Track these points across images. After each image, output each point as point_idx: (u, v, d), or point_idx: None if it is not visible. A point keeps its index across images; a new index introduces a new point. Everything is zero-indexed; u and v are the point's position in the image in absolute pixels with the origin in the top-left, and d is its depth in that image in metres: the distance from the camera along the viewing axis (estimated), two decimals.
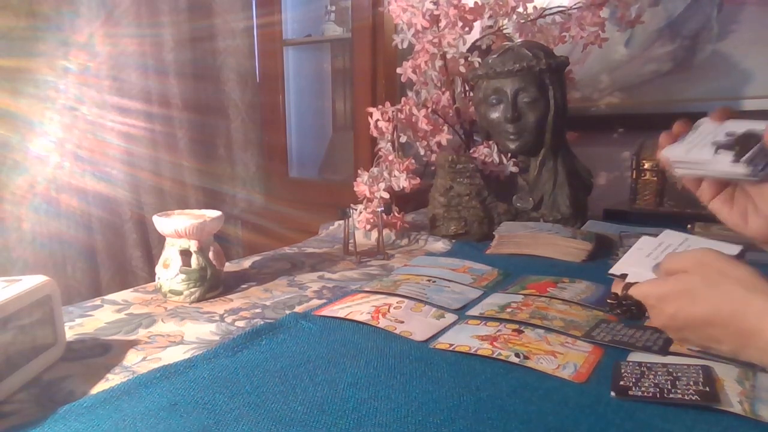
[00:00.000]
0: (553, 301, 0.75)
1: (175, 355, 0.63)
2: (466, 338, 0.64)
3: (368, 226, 1.15)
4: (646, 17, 1.34)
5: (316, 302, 0.80)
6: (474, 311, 0.73)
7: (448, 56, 1.22)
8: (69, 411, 0.50)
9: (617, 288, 0.59)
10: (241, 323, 0.73)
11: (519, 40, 1.21)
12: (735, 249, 0.56)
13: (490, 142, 1.18)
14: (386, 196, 1.15)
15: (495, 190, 1.16)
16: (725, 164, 0.55)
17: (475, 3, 1.19)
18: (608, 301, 0.60)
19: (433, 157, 1.24)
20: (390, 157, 1.17)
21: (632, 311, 0.58)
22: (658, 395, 0.50)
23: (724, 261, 0.51)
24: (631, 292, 0.56)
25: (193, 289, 0.81)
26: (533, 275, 0.87)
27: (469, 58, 1.21)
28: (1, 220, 1.45)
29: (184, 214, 0.86)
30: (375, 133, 1.20)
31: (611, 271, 0.62)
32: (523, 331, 0.65)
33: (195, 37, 1.79)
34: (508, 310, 0.72)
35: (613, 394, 0.51)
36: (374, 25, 1.60)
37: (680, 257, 0.54)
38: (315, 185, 1.92)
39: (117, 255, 1.66)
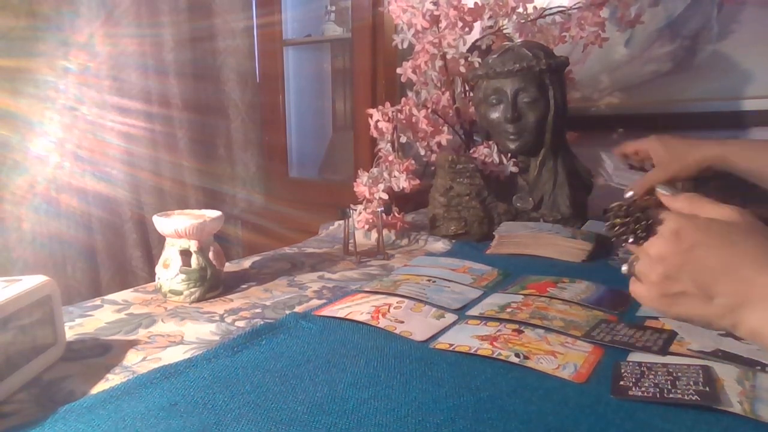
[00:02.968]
0: (553, 301, 0.75)
1: (175, 355, 0.63)
2: (466, 338, 0.64)
3: (368, 227, 1.15)
4: (646, 17, 1.34)
5: (316, 302, 0.80)
6: (474, 311, 0.73)
7: (448, 56, 1.22)
8: (69, 411, 0.50)
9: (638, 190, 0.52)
10: (241, 323, 0.73)
11: (519, 40, 1.21)
12: None
13: (490, 142, 1.18)
14: (386, 196, 1.15)
15: (495, 190, 1.16)
16: None
17: (475, 3, 1.19)
18: (612, 206, 0.52)
19: (433, 158, 1.24)
20: (390, 158, 1.17)
21: (639, 223, 0.49)
22: (658, 395, 0.50)
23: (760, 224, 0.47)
24: (667, 201, 0.50)
25: (193, 289, 0.81)
26: (533, 275, 0.87)
27: (469, 58, 1.21)
28: (1, 220, 1.45)
29: (184, 214, 0.86)
30: (375, 134, 1.20)
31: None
32: (523, 331, 0.65)
33: (195, 37, 1.79)
34: (508, 310, 0.72)
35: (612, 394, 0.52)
36: (374, 25, 1.60)
37: (720, 205, 0.49)
38: (315, 185, 1.92)
39: (117, 255, 1.66)
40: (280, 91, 1.89)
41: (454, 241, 1.14)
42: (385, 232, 1.14)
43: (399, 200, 1.21)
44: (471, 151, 1.19)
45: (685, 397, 0.49)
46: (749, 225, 0.47)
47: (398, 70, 1.28)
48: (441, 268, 0.92)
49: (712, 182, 0.93)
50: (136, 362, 0.61)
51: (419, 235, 1.18)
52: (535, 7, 1.21)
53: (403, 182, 1.14)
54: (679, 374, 0.53)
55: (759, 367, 0.54)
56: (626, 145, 1.06)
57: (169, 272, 0.81)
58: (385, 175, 1.16)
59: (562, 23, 1.22)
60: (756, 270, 0.45)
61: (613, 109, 1.51)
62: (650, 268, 0.50)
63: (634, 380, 0.53)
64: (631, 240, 0.51)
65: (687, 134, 1.33)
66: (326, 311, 0.74)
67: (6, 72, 1.42)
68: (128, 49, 1.63)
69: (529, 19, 1.21)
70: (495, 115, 1.16)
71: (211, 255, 0.84)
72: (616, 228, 0.51)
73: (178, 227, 0.80)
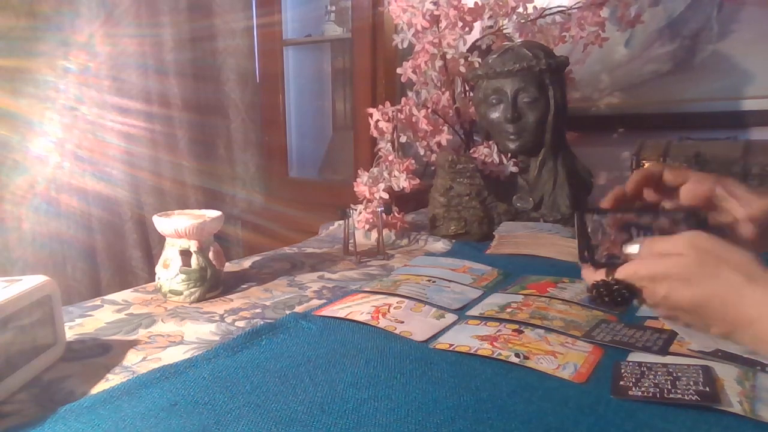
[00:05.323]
0: (553, 301, 0.75)
1: (175, 355, 0.63)
2: (466, 338, 0.64)
3: (368, 226, 1.15)
4: (646, 17, 1.34)
5: (316, 302, 0.80)
6: (474, 311, 0.73)
7: (448, 56, 1.22)
8: (69, 411, 0.50)
9: (597, 275, 0.54)
10: (241, 323, 0.73)
11: (519, 40, 1.21)
12: None
13: (490, 142, 1.18)
14: (386, 196, 1.15)
15: (495, 190, 1.16)
16: None
17: (475, 3, 1.19)
18: (592, 293, 0.54)
19: (433, 157, 1.24)
20: (390, 158, 1.17)
21: (624, 296, 0.52)
22: (658, 395, 0.50)
23: (720, 246, 0.48)
24: (619, 274, 0.52)
25: (193, 289, 0.81)
26: (533, 275, 0.87)
27: (469, 58, 1.21)
28: (1, 220, 1.45)
29: (184, 214, 0.86)
30: (375, 134, 1.20)
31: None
32: (523, 331, 0.65)
33: (195, 37, 1.78)
34: (508, 310, 0.72)
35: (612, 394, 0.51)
36: (374, 25, 1.60)
37: (670, 241, 0.50)
38: (315, 185, 1.92)
39: (117, 255, 1.66)
40: (280, 91, 1.88)
41: (454, 241, 1.13)
42: (385, 232, 1.14)
43: (399, 200, 1.21)
44: (471, 151, 1.19)
45: (685, 397, 0.49)
46: (717, 248, 0.48)
47: (398, 70, 1.28)
48: (441, 268, 0.92)
49: None
50: (136, 362, 0.61)
51: (419, 235, 1.18)
52: (535, 7, 1.21)
53: (403, 182, 1.14)
54: (679, 374, 0.53)
55: (759, 367, 0.54)
56: None
57: (169, 272, 0.81)
58: (385, 174, 1.16)
59: (562, 23, 1.22)
60: (738, 292, 0.45)
61: (613, 109, 1.52)
62: (659, 313, 0.53)
63: (634, 380, 0.53)
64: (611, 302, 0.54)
65: (687, 134, 1.35)
66: (326, 311, 0.74)
67: (6, 72, 1.42)
68: (128, 49, 1.62)
69: (529, 19, 1.21)
70: (495, 115, 1.16)
71: (211, 255, 0.84)
72: (607, 302, 0.53)
73: (178, 227, 0.80)
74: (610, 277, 0.53)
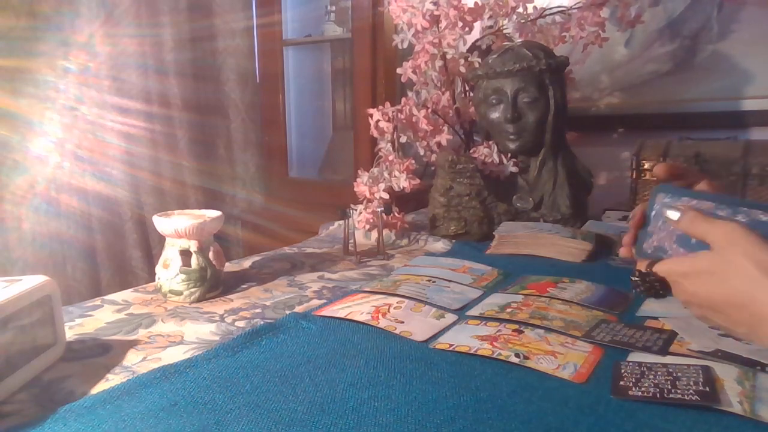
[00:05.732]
0: (553, 301, 0.75)
1: (175, 355, 0.63)
2: (466, 338, 0.64)
3: (368, 226, 1.15)
4: (646, 17, 1.34)
5: (316, 302, 0.80)
6: (474, 311, 0.73)
7: (448, 56, 1.22)
8: (69, 411, 0.50)
9: (641, 265, 0.56)
10: (241, 323, 0.73)
11: (519, 40, 1.21)
12: None
13: (490, 142, 1.18)
14: (386, 196, 1.15)
15: (495, 190, 1.16)
16: None
17: (475, 3, 1.19)
18: (632, 278, 0.57)
19: (433, 157, 1.24)
20: (390, 158, 1.17)
21: (656, 288, 0.55)
22: (658, 395, 0.50)
23: (752, 242, 0.47)
24: (656, 268, 0.54)
25: (193, 289, 0.81)
26: (533, 275, 0.87)
27: (469, 58, 1.21)
28: (1, 220, 1.45)
29: (184, 214, 0.86)
30: (375, 134, 1.20)
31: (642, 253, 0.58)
32: (523, 331, 0.65)
33: (195, 37, 1.79)
34: (508, 310, 0.72)
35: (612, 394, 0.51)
36: (374, 25, 1.60)
37: (710, 226, 0.50)
38: (315, 185, 1.92)
39: (117, 255, 1.66)
40: (280, 91, 1.89)
41: (454, 241, 1.13)
42: (385, 232, 1.14)
43: (399, 200, 1.21)
44: (471, 151, 1.19)
45: (685, 397, 0.49)
46: (748, 243, 0.47)
47: (398, 70, 1.28)
48: (441, 268, 0.92)
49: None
50: (136, 362, 0.61)
51: (419, 235, 1.18)
52: (535, 7, 1.21)
53: (403, 182, 1.14)
54: (679, 374, 0.53)
55: (759, 367, 0.54)
56: None
57: (169, 272, 0.81)
58: (386, 174, 1.16)
59: (562, 23, 1.22)
60: (757, 290, 0.46)
61: (613, 109, 1.52)
62: (691, 310, 0.54)
63: (634, 380, 0.53)
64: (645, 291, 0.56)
65: (687, 134, 1.35)
66: (326, 311, 0.74)
67: (6, 72, 1.42)
68: (128, 49, 1.63)
69: (529, 19, 1.21)
70: (495, 115, 1.16)
71: (211, 255, 0.84)
72: (641, 291, 0.56)
73: (178, 227, 0.80)
74: (647, 269, 0.54)
